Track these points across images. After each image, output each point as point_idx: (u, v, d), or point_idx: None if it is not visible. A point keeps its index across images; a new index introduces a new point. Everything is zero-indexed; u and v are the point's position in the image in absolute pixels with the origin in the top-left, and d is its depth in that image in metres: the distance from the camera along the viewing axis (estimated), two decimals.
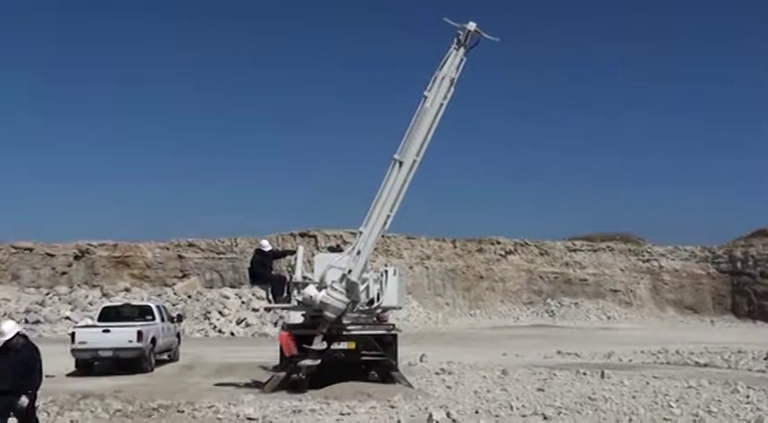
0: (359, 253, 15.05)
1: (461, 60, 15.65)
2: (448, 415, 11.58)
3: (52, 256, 54.91)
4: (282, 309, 17.43)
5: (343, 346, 15.46)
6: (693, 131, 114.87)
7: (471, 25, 15.49)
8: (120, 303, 25.92)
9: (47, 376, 18.62)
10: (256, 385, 16.30)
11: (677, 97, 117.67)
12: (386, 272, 16.29)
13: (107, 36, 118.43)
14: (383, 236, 16.31)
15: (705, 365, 21.47)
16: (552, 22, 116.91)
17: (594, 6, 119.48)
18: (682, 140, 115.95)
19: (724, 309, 63.21)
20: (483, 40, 15.66)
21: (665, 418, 11.54)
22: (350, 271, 14.92)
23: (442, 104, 15.54)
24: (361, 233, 15.38)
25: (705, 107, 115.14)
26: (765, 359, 22.42)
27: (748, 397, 13.80)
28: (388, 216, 15.26)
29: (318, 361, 14.95)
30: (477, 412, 12.28)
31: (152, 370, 20.28)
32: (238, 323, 39.65)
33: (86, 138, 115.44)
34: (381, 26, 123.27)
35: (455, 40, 15.60)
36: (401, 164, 15.29)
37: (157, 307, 23.06)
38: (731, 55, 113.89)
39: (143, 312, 22.21)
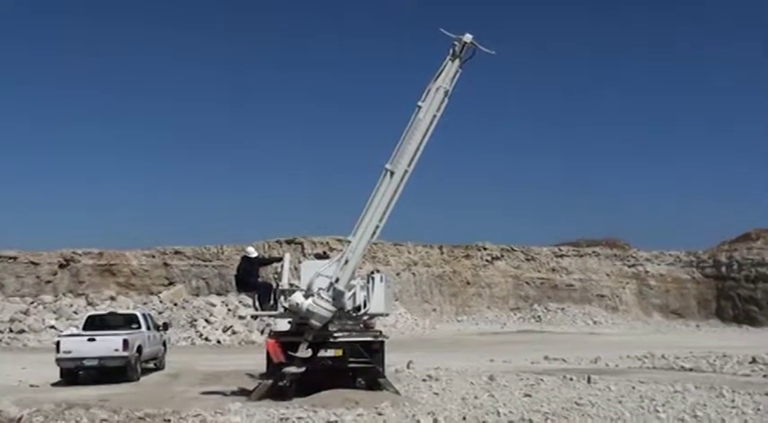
0: (347, 262, 15.02)
1: (456, 72, 15.48)
2: (435, 421, 11.59)
3: (36, 264, 54.56)
4: (269, 316, 17.38)
5: (330, 353, 15.40)
6: (679, 138, 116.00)
7: (468, 37, 15.27)
8: (105, 312, 25.76)
9: (31, 386, 18.73)
10: (243, 393, 16.22)
11: (664, 104, 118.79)
12: (372, 278, 16.26)
13: (102, 42, 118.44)
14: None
15: (691, 370, 21.57)
16: (542, 28, 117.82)
17: (587, 14, 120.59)
18: (667, 147, 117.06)
19: (709, 313, 63.63)
20: (479, 53, 15.43)
21: None
22: (337, 280, 14.89)
23: (435, 116, 15.37)
24: (349, 242, 15.35)
25: (692, 114, 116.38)
26: (750, 363, 22.57)
27: (733, 401, 13.87)
28: (378, 226, 15.18)
29: (303, 368, 14.90)
30: (464, 418, 12.29)
31: (138, 379, 20.13)
32: (225, 331, 39.46)
33: (71, 144, 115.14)
34: (375, 34, 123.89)
35: (450, 52, 15.42)
36: (392, 174, 15.17)
37: (143, 315, 22.92)
38: (720, 62, 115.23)
39: (128, 321, 22.06)
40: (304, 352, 14.90)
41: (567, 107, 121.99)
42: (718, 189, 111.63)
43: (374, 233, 15.27)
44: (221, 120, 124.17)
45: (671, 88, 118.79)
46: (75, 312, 40.59)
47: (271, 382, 15.30)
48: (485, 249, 63.51)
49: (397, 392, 15.32)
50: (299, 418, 12.46)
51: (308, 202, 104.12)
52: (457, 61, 15.44)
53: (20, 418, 12.13)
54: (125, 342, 19.73)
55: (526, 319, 59.91)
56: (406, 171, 15.26)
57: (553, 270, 64.28)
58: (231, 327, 39.66)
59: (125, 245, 61.10)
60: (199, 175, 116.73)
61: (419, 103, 15.41)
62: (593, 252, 66.41)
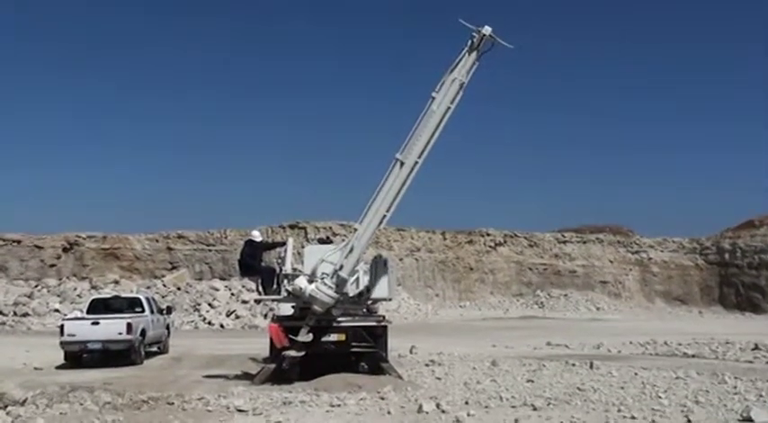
0: (352, 250, 14.97)
1: (473, 64, 15.19)
2: (438, 406, 11.59)
3: (40, 248, 54.66)
4: (272, 300, 17.38)
5: (333, 337, 15.42)
6: (682, 126, 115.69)
7: (487, 29, 14.94)
8: (109, 295, 25.80)
9: (35, 369, 18.81)
10: (246, 377, 16.27)
11: (667, 95, 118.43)
12: (376, 263, 16.25)
13: (107, 34, 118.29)
14: None
15: (693, 356, 21.57)
16: (547, 23, 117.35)
17: (587, 9, 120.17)
18: (671, 134, 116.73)
19: (712, 300, 63.61)
20: (497, 46, 15.10)
21: (653, 409, 11.58)
22: (341, 267, 14.87)
23: (449, 108, 15.13)
24: (355, 230, 15.31)
25: (695, 103, 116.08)
26: (753, 350, 22.56)
27: (735, 387, 13.86)
28: (385, 216, 15.08)
29: (303, 353, 14.93)
30: (466, 403, 12.30)
31: (141, 362, 20.21)
32: (228, 315, 39.58)
33: (76, 130, 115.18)
34: (380, 23, 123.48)
35: (468, 44, 15.12)
36: (402, 164, 15.01)
37: (147, 299, 22.96)
38: (720, 56, 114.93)
39: (132, 304, 22.12)
40: (305, 336, 14.93)
41: (570, 98, 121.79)
42: (722, 176, 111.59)
43: (381, 222, 15.20)
44: (224, 108, 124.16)
45: (673, 79, 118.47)
46: (79, 296, 40.72)
47: (274, 366, 15.35)
48: (488, 235, 63.46)
49: (399, 377, 15.35)
50: (302, 401, 12.50)
51: (311, 187, 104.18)
52: (474, 53, 15.13)
53: (24, 401, 12.18)
54: (129, 325, 19.78)
55: (529, 304, 59.93)
56: (416, 162, 15.05)
57: (556, 256, 64.23)
58: (234, 311, 39.77)
59: (129, 229, 61.19)
60: (202, 160, 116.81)
61: (433, 94, 15.14)
62: (597, 238, 66.33)
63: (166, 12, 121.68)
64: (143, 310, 21.62)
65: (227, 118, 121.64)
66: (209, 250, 57.79)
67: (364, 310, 16.32)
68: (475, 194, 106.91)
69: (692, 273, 64.78)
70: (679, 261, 65.39)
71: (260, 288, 16.58)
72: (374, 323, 15.98)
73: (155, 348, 22.69)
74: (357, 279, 15.70)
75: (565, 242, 65.22)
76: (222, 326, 38.21)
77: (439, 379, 15.70)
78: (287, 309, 16.49)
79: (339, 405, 12.17)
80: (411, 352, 21.70)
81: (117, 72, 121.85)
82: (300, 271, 15.81)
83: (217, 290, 43.36)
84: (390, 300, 17.80)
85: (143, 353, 20.66)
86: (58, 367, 19.52)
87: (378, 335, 15.82)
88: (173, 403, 12.43)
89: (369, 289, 15.87)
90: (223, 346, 25.44)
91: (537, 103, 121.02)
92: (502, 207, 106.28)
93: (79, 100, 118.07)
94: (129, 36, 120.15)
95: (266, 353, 17.05)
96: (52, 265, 54.32)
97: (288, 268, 15.91)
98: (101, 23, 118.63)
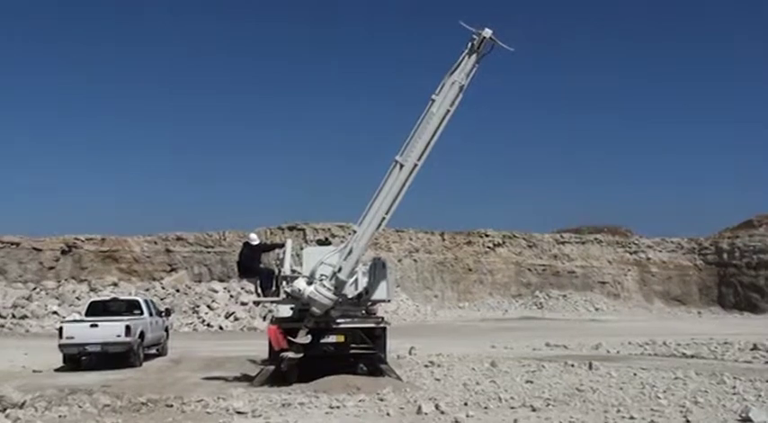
0: (351, 252, 14.96)
1: (473, 67, 15.16)
2: (437, 407, 11.60)
3: (39, 250, 54.59)
4: (271, 302, 17.37)
5: (332, 339, 15.42)
6: (681, 127, 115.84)
7: (487, 32, 14.88)
8: (107, 298, 25.79)
9: (34, 371, 18.80)
10: (245, 379, 16.28)
11: (666, 96, 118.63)
12: (375, 265, 16.25)
13: (106, 35, 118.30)
14: None
15: (692, 356, 21.59)
16: (544, 20, 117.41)
17: (587, 9, 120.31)
18: (669, 134, 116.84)
19: (710, 300, 63.63)
20: (497, 48, 15.04)
21: (652, 409, 11.59)
22: (340, 269, 14.87)
23: (448, 110, 15.11)
24: (354, 232, 15.30)
25: (694, 104, 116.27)
26: (751, 350, 22.59)
27: (734, 387, 13.88)
28: (384, 218, 15.07)
29: (301, 354, 14.93)
30: (465, 404, 12.30)
31: (140, 364, 20.20)
32: (227, 317, 39.55)
33: (75, 132, 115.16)
34: (378, 25, 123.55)
35: (468, 46, 15.07)
36: (401, 166, 14.99)
37: (145, 301, 22.97)
38: (720, 56, 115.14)
39: (131, 307, 22.12)
40: (303, 338, 14.93)
41: (569, 98, 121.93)
42: (721, 176, 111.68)
43: (380, 224, 15.18)
44: (223, 111, 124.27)
45: (672, 76, 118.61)
46: (78, 298, 40.69)
47: (273, 367, 15.35)
48: (486, 236, 63.44)
49: (398, 378, 15.36)
50: (301, 403, 12.49)
51: (310, 189, 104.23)
52: (474, 56, 15.09)
53: (23, 403, 12.17)
54: (127, 328, 19.78)
55: (528, 305, 59.91)
56: (415, 165, 15.01)
57: (555, 257, 64.22)
58: (233, 313, 39.74)
59: (127, 231, 61.16)
60: (200, 161, 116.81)
61: (433, 97, 15.12)
62: (595, 239, 66.33)
63: (166, 12, 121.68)
64: (142, 313, 21.62)
65: (227, 119, 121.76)
66: (208, 252, 57.74)
67: (363, 311, 16.31)
68: (474, 195, 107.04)
69: (691, 273, 64.79)
70: (678, 261, 65.41)
71: (259, 290, 16.57)
72: (373, 325, 15.98)
73: (153, 350, 22.68)
74: (356, 281, 15.70)
75: (563, 243, 65.21)
76: (221, 328, 38.20)
77: (438, 380, 15.71)
78: (286, 310, 16.48)
79: (338, 406, 12.17)
80: (410, 353, 21.70)
81: (116, 72, 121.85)
82: (299, 273, 15.80)
83: (216, 292, 43.34)
84: (389, 301, 17.80)
85: (142, 355, 20.66)
86: (57, 370, 19.50)
87: (376, 336, 15.82)
88: (172, 405, 12.43)
89: (367, 291, 15.87)
90: (222, 348, 25.43)
91: (536, 103, 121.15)
92: (500, 208, 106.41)
93: (78, 101, 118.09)
94: (128, 36, 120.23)
95: (265, 355, 17.04)
96: (51, 268, 54.27)
97: (286, 270, 15.89)
98: (100, 23, 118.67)
